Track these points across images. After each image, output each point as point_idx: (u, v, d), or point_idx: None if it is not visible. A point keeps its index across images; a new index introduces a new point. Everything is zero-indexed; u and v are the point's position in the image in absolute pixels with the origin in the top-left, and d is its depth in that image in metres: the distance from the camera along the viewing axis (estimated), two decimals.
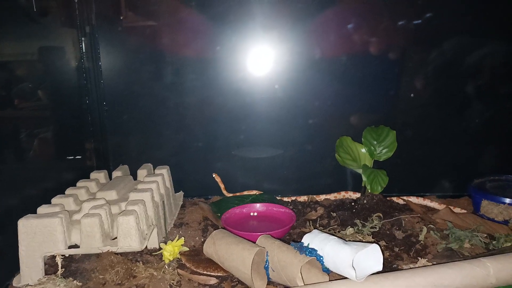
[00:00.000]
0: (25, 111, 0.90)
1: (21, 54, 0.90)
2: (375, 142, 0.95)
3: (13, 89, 0.86)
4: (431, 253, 0.80)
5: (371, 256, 0.62)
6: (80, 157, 1.11)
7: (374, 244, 0.62)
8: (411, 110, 1.11)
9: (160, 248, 0.80)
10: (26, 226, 0.74)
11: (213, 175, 1.13)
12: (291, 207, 1.05)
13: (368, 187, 0.91)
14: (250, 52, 1.08)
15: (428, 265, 0.72)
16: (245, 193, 1.13)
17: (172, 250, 0.78)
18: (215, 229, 0.92)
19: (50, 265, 0.78)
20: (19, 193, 0.84)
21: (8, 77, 0.85)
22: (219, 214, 0.98)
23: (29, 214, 0.76)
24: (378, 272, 0.63)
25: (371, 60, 1.07)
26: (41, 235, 0.74)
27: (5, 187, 0.80)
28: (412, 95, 1.10)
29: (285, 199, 1.11)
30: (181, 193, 1.13)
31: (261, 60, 1.08)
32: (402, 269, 0.71)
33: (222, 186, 1.13)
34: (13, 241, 0.74)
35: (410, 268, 0.71)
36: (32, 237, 0.74)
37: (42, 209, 0.80)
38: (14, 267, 0.76)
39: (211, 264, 0.77)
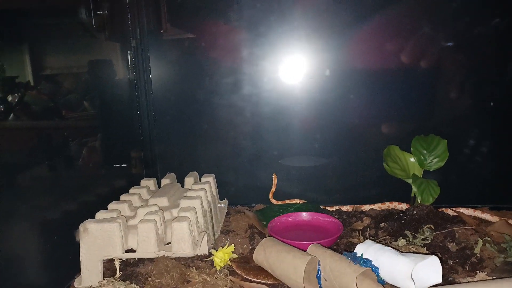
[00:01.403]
0: (80, 121, 0.95)
1: (79, 66, 0.95)
2: (425, 152, 0.93)
3: (71, 100, 0.91)
4: (488, 267, 0.77)
5: (430, 268, 0.61)
6: (130, 164, 1.16)
7: (433, 255, 0.61)
8: (461, 119, 1.08)
9: (210, 254, 0.82)
10: (87, 230, 0.78)
11: (273, 176, 1.13)
12: (336, 216, 1.04)
13: (419, 197, 0.89)
14: (292, 63, 1.09)
15: (488, 279, 0.70)
16: (287, 201, 1.13)
17: (222, 256, 0.80)
18: (261, 237, 0.94)
19: (106, 268, 0.81)
20: (78, 199, 0.89)
21: (69, 88, 0.90)
22: (265, 222, 0.99)
23: (90, 219, 0.80)
24: (437, 285, 0.61)
25: (419, 69, 1.05)
26: (101, 239, 0.77)
27: (65, 193, 0.85)
28: (463, 103, 1.07)
29: (329, 208, 1.10)
30: (225, 201, 1.15)
31: (304, 70, 1.09)
32: (460, 283, 0.69)
33: (273, 189, 1.13)
34: (74, 244, 0.79)
35: (468, 282, 0.69)
36: (92, 240, 0.77)
37: (100, 214, 0.84)
38: (74, 269, 0.80)
39: (261, 271, 0.78)
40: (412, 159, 0.95)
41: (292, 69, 1.10)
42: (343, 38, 1.06)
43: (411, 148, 0.95)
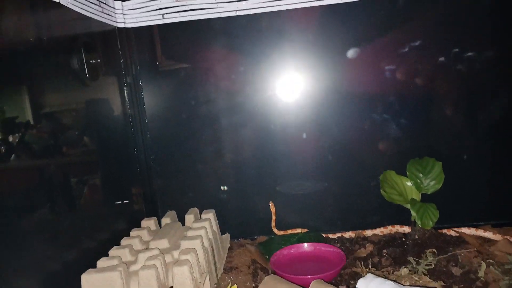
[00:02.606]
0: (78, 161, 0.94)
1: (76, 104, 0.95)
2: (421, 175, 0.94)
3: (69, 138, 0.91)
4: None
5: None
6: (130, 202, 1.16)
7: None
8: (458, 137, 1.09)
9: None
10: (88, 281, 0.78)
11: (270, 204, 1.13)
12: (338, 244, 1.04)
13: (419, 222, 0.89)
14: (287, 88, 1.10)
15: None
16: (289, 232, 1.13)
17: None
18: (265, 273, 0.93)
19: None
20: (78, 245, 0.89)
21: (68, 126, 0.91)
22: (267, 256, 0.99)
23: (91, 269, 0.80)
24: None
25: (412, 91, 1.07)
26: None
27: (66, 240, 0.84)
28: (454, 123, 1.08)
29: (331, 235, 1.10)
30: (227, 235, 1.14)
31: (299, 96, 1.10)
32: None
33: (273, 218, 1.13)
34: None
35: None
36: None
37: (101, 263, 0.84)
38: None
39: None
40: (409, 183, 0.95)
41: (288, 95, 1.11)
42: (340, 61, 1.07)
43: (407, 172, 0.95)
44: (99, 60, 0.99)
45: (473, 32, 1.03)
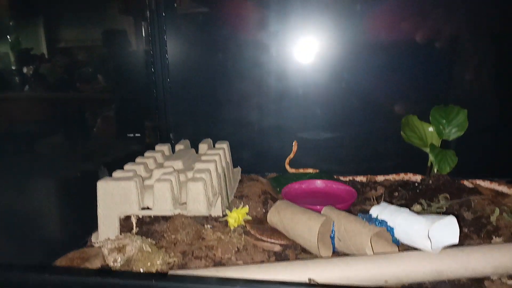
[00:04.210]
0: (95, 91, 0.95)
1: (93, 38, 0.95)
2: (444, 121, 0.92)
3: (85, 71, 0.91)
4: (504, 235, 0.76)
5: (447, 228, 0.60)
6: (145, 133, 1.17)
7: (451, 215, 0.60)
8: (483, 91, 1.05)
9: (225, 215, 0.83)
10: (104, 188, 0.79)
11: (293, 143, 1.13)
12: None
13: (436, 166, 0.88)
14: (310, 35, 1.08)
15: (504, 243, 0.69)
16: (301, 170, 1.13)
17: (236, 217, 0.80)
18: (275, 202, 0.94)
19: (123, 226, 0.83)
20: (95, 161, 0.90)
21: (83, 59, 0.91)
22: (279, 189, 0.99)
23: (107, 177, 0.82)
24: (453, 246, 0.61)
25: (440, 39, 1.02)
26: (118, 196, 0.78)
27: (82, 157, 0.86)
28: (485, 75, 1.04)
29: (342, 178, 1.10)
30: (239, 169, 1.15)
31: (322, 44, 1.07)
32: (477, 245, 0.68)
33: (291, 155, 1.13)
34: (91, 203, 0.80)
35: (485, 244, 0.69)
36: (109, 198, 0.79)
37: (117, 174, 0.85)
38: (91, 227, 0.82)
39: (274, 233, 0.79)
40: (431, 129, 0.93)
41: (310, 42, 1.08)
42: (364, 10, 1.04)
43: (430, 118, 0.93)
44: None
45: None
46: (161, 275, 0.56)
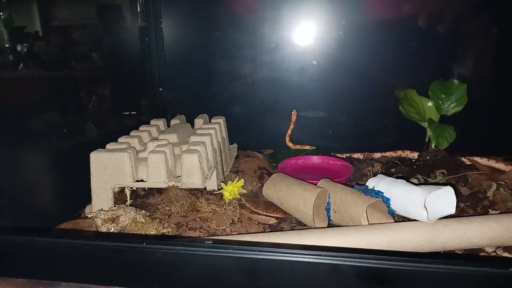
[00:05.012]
0: (90, 70, 0.93)
1: (87, 17, 0.92)
2: (443, 95, 0.90)
3: (79, 49, 0.89)
4: (500, 210, 0.76)
5: (444, 199, 0.60)
6: (140, 110, 1.15)
7: (448, 185, 0.60)
8: (483, 68, 1.03)
9: (220, 188, 0.82)
10: (97, 159, 0.78)
11: (292, 112, 1.11)
12: None
13: (434, 141, 0.87)
14: (307, 13, 1.05)
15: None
16: (299, 147, 1.12)
17: (232, 190, 0.80)
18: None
19: (117, 199, 0.82)
20: (88, 134, 0.89)
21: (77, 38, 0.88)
22: (275, 164, 0.98)
23: (100, 149, 0.80)
24: (450, 216, 0.60)
25: (439, 13, 1.00)
26: (112, 168, 0.77)
27: (76, 129, 0.85)
28: (484, 51, 1.02)
29: (339, 155, 1.09)
30: (235, 145, 1.14)
31: (317, 19, 1.05)
32: (473, 215, 0.68)
33: (291, 127, 1.12)
34: (84, 175, 0.79)
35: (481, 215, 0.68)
36: (103, 169, 0.78)
37: (111, 146, 0.83)
38: (85, 199, 0.81)
39: (270, 206, 0.78)
40: (429, 104, 0.92)
41: (307, 17, 1.05)
42: None
43: (429, 92, 0.92)
44: None
45: None
46: (152, 238, 0.56)
